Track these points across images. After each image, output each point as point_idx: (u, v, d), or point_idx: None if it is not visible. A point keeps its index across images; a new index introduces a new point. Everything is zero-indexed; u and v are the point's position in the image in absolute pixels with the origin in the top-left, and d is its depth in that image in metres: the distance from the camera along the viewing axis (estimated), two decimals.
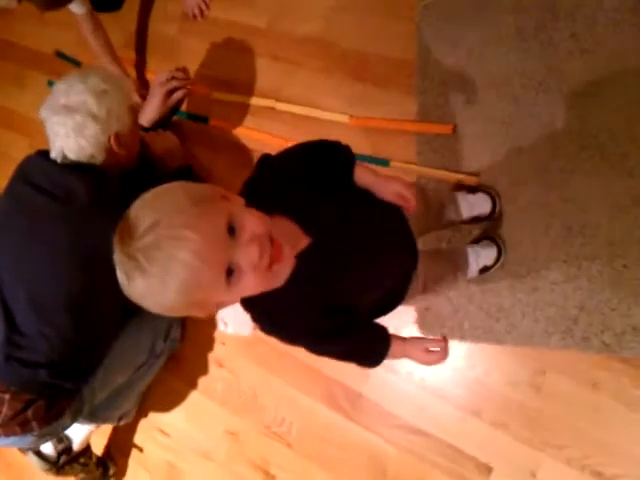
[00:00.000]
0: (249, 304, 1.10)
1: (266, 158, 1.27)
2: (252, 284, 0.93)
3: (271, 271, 0.95)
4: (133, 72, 2.89)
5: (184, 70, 2.55)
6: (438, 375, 2.07)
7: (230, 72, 2.68)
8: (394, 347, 1.34)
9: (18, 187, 1.88)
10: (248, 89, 2.61)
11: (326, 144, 1.34)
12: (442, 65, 2.16)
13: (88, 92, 1.78)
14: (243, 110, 2.60)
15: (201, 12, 2.78)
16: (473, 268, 1.92)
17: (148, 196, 0.91)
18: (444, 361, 1.36)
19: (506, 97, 2.03)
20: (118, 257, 0.88)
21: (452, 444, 2.03)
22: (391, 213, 1.36)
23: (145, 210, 0.88)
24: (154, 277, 0.84)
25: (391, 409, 2.15)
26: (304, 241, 1.10)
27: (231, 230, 0.89)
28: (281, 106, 2.48)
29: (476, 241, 2.01)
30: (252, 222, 0.92)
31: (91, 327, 1.93)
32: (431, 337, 1.41)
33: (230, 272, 0.88)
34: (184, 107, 2.74)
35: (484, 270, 1.95)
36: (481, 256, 1.92)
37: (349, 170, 1.32)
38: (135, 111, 2.00)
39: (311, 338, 1.19)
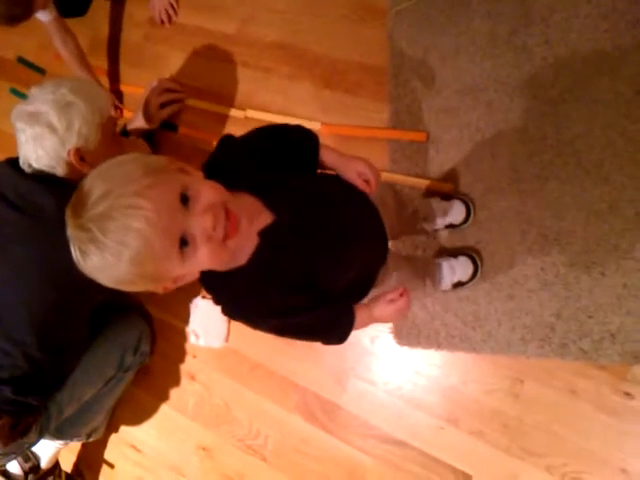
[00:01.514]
0: (211, 284, 1.08)
1: (228, 137, 1.24)
2: (206, 257, 0.91)
3: (226, 245, 0.93)
4: (104, 80, 2.83)
5: (176, 81, 2.54)
6: (414, 384, 2.05)
7: (199, 79, 2.64)
8: (359, 315, 1.31)
9: None
10: (218, 96, 2.57)
11: (290, 126, 1.32)
12: (415, 72, 2.15)
13: (51, 103, 1.73)
14: (213, 118, 2.56)
15: (169, 18, 2.73)
16: (447, 282, 1.92)
17: (100, 168, 0.90)
18: (409, 307, 1.31)
19: (480, 103, 2.03)
20: (71, 231, 0.87)
21: (430, 453, 2.01)
22: (362, 200, 1.35)
23: (97, 181, 0.86)
24: (108, 248, 0.82)
25: (368, 419, 2.12)
26: (266, 218, 1.08)
27: (185, 200, 0.88)
28: (252, 114, 2.45)
29: (453, 254, 1.99)
30: (207, 191, 0.92)
31: (57, 344, 1.90)
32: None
33: (184, 243, 0.88)
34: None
35: (458, 285, 1.94)
36: (456, 272, 1.91)
37: (314, 150, 1.30)
38: (110, 126, 1.92)
39: (275, 318, 1.15)
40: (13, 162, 1.82)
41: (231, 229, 0.93)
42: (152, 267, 0.87)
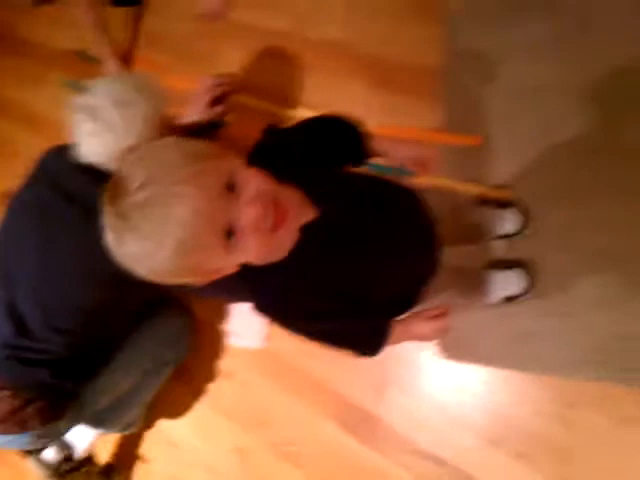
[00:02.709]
0: (246, 276, 1.00)
1: (273, 128, 1.19)
2: (253, 248, 0.86)
3: (274, 235, 0.88)
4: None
5: (231, 77, 2.47)
6: (458, 400, 1.96)
7: (251, 76, 2.62)
8: (395, 329, 1.26)
9: (38, 182, 1.84)
10: (269, 93, 2.53)
11: (334, 116, 1.29)
12: (471, 71, 2.06)
13: (112, 99, 1.69)
14: (263, 115, 2.51)
15: (222, 13, 2.70)
16: (498, 295, 1.85)
17: (139, 153, 0.85)
18: (449, 326, 1.27)
19: (540, 106, 1.93)
20: (108, 219, 0.82)
21: (471, 474, 1.91)
22: (417, 205, 1.31)
23: (137, 167, 0.82)
24: (148, 237, 0.79)
25: (407, 433, 2.04)
26: (309, 213, 1.02)
27: (231, 188, 0.83)
28: (302, 112, 2.39)
29: (506, 265, 1.89)
30: (255, 180, 0.87)
31: (99, 335, 1.92)
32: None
33: (230, 233, 0.83)
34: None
35: (510, 299, 1.86)
36: (508, 286, 1.84)
37: (359, 138, 1.27)
38: (166, 125, 1.88)
39: (304, 320, 1.11)
40: (69, 151, 1.79)
41: (280, 219, 0.88)
42: (194, 258, 0.82)
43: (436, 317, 1.26)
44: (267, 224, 0.85)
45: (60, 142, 1.85)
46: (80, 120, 1.70)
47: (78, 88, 2.20)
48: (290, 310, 1.08)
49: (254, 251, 0.87)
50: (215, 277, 0.91)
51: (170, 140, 0.87)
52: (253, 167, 0.90)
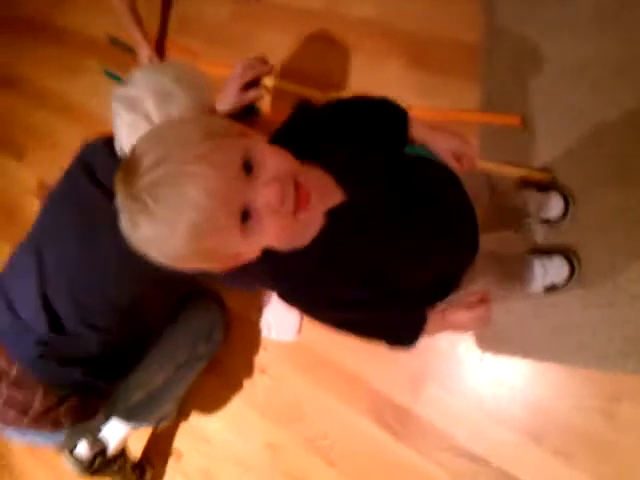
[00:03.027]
0: (268, 262, 0.95)
1: (305, 105, 1.14)
2: (271, 232, 0.81)
3: (295, 219, 0.83)
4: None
5: (263, 59, 2.41)
6: (496, 395, 1.88)
7: (285, 58, 2.58)
8: (431, 319, 1.20)
9: (78, 175, 1.82)
10: (304, 76, 2.49)
11: (376, 98, 1.22)
12: (511, 48, 1.99)
13: (152, 91, 1.65)
14: (295, 99, 2.44)
15: None
16: (538, 284, 1.76)
17: (154, 130, 0.83)
18: (490, 315, 1.19)
19: (584, 83, 1.84)
20: (121, 201, 0.79)
21: (510, 472, 1.83)
22: (455, 188, 1.26)
23: (150, 145, 0.78)
24: (161, 219, 0.75)
25: (444, 430, 1.97)
26: (337, 197, 0.97)
27: (248, 168, 0.78)
28: (335, 95, 2.32)
29: (547, 252, 1.81)
30: (274, 159, 0.82)
31: (135, 333, 1.92)
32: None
33: (246, 216, 0.78)
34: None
35: (551, 289, 1.77)
36: (549, 273, 1.75)
37: (402, 126, 1.20)
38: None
39: (332, 309, 1.06)
40: (110, 144, 1.78)
41: (302, 201, 0.82)
42: (210, 242, 0.77)
43: (476, 305, 1.19)
44: (287, 207, 0.80)
45: (99, 133, 1.83)
46: (119, 111, 1.67)
47: (117, 78, 2.17)
48: (314, 298, 1.03)
49: (273, 235, 0.83)
50: (235, 263, 0.87)
51: (189, 117, 0.83)
52: (274, 145, 0.85)
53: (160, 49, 2.94)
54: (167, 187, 0.73)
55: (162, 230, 0.75)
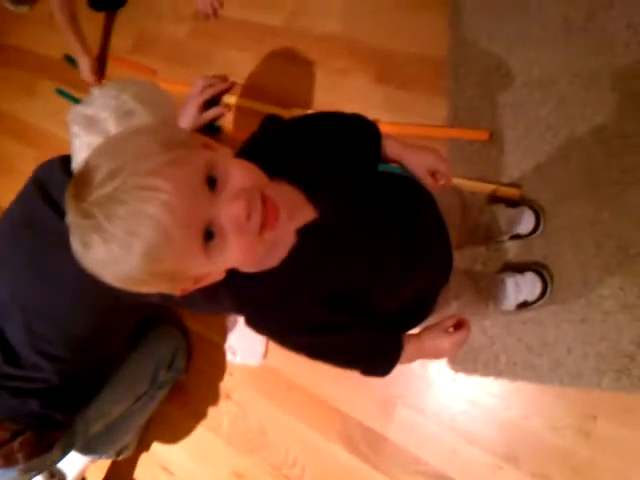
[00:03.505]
0: (234, 284, 0.90)
1: (272, 118, 1.09)
2: (237, 252, 0.76)
3: (262, 238, 0.78)
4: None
5: (223, 77, 2.41)
6: (470, 416, 1.85)
7: (245, 75, 2.56)
8: (408, 346, 1.13)
9: (31, 196, 1.74)
10: (264, 93, 2.47)
11: (347, 114, 1.18)
12: (477, 63, 2.00)
13: (112, 109, 1.60)
14: (258, 117, 2.40)
15: (214, 11, 2.70)
16: (511, 302, 1.74)
17: (109, 141, 0.77)
18: (468, 336, 1.14)
19: (551, 98, 1.86)
20: (71, 218, 0.72)
21: None
22: (428, 205, 1.23)
23: (104, 157, 0.72)
24: (116, 238, 0.68)
25: (416, 453, 1.92)
26: (308, 215, 0.92)
27: (212, 182, 0.73)
28: (297, 112, 2.32)
29: (519, 269, 1.79)
30: (239, 172, 0.77)
31: (90, 361, 1.83)
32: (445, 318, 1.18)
33: (210, 235, 0.73)
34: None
35: (523, 305, 1.75)
36: (522, 290, 1.73)
37: (375, 143, 1.16)
38: None
39: (305, 335, 0.99)
40: (66, 162, 1.71)
41: (269, 218, 0.78)
42: (170, 263, 0.71)
43: (455, 329, 1.14)
44: (254, 223, 0.75)
45: (55, 155, 1.76)
46: (78, 132, 1.61)
47: (71, 97, 2.10)
48: (284, 323, 0.97)
49: (239, 255, 0.77)
50: (197, 286, 0.81)
51: (147, 127, 0.77)
52: (240, 159, 0.81)
53: (102, 61, 2.96)
54: (122, 203, 0.67)
55: (116, 250, 0.69)
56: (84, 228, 0.69)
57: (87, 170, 0.70)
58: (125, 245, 0.67)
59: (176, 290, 0.79)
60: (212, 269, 0.79)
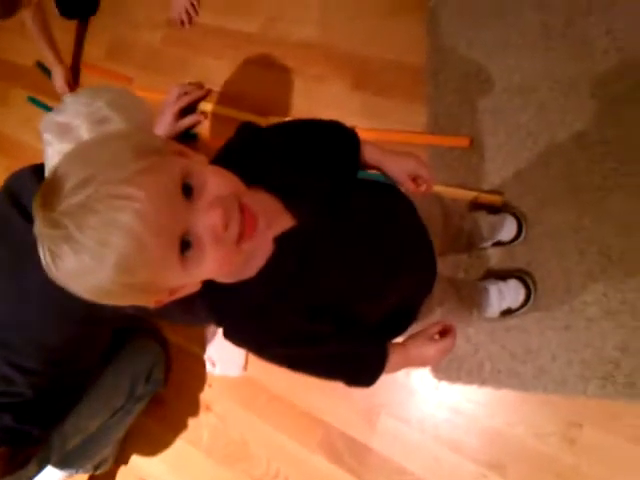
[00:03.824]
0: (211, 295, 0.87)
1: (248, 126, 1.05)
2: (213, 261, 0.73)
3: (240, 248, 0.75)
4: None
5: (199, 84, 2.38)
6: (454, 424, 1.84)
7: (220, 83, 2.53)
8: (393, 355, 1.10)
9: (3, 206, 1.68)
10: (240, 101, 2.45)
11: (325, 121, 1.15)
12: (456, 70, 1.99)
13: (85, 116, 1.56)
14: (235, 125, 2.39)
15: (189, 18, 2.67)
16: (494, 309, 1.73)
17: (80, 148, 0.73)
18: (454, 343, 1.11)
19: (531, 104, 1.86)
20: (39, 228, 0.68)
21: None
22: (409, 212, 1.21)
23: (74, 164, 0.68)
24: (87, 249, 0.65)
25: (400, 462, 1.91)
26: (285, 223, 0.90)
27: (187, 190, 0.71)
28: (274, 120, 2.25)
29: (502, 276, 1.78)
30: (216, 180, 0.75)
31: (64, 374, 1.78)
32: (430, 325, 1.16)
33: (186, 245, 0.70)
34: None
35: (507, 312, 1.74)
36: (506, 298, 1.72)
37: (354, 150, 1.13)
38: None
39: (284, 347, 0.97)
40: (39, 171, 1.67)
41: (247, 227, 0.75)
42: (143, 274, 0.68)
43: (440, 335, 1.12)
44: (232, 232, 0.73)
45: (27, 164, 1.71)
46: (51, 140, 1.57)
47: (44, 106, 2.05)
48: (262, 335, 0.95)
49: (216, 266, 0.75)
50: (173, 297, 0.79)
51: (120, 133, 0.74)
52: (216, 166, 0.78)
53: (75, 70, 2.94)
54: (94, 212, 0.64)
55: (87, 261, 0.65)
56: (53, 239, 0.66)
57: (56, 178, 0.67)
58: (97, 256, 0.65)
59: (150, 302, 0.76)
60: (188, 280, 0.76)
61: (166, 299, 0.78)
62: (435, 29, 2.03)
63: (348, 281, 0.98)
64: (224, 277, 0.83)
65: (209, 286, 0.82)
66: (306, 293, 0.93)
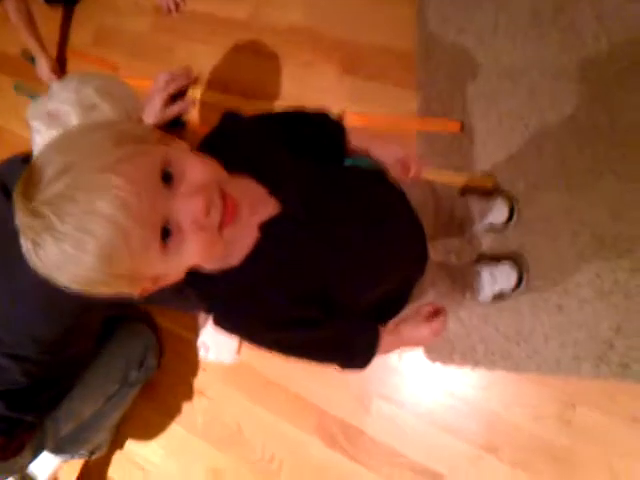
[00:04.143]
0: (196, 283, 0.88)
1: (232, 114, 1.04)
2: (196, 250, 0.74)
3: (221, 235, 0.76)
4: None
5: (186, 70, 2.35)
6: (448, 407, 1.84)
7: (210, 70, 2.51)
8: (385, 337, 1.12)
9: None
10: (230, 87, 2.44)
11: (310, 111, 1.18)
12: (447, 54, 1.99)
13: (74, 103, 1.54)
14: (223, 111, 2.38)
15: (176, 5, 2.66)
16: (487, 292, 1.74)
17: (60, 137, 0.73)
18: (446, 323, 1.14)
19: (522, 88, 1.86)
20: (20, 218, 0.69)
21: None
22: (399, 198, 1.21)
23: (55, 153, 0.69)
24: (68, 238, 0.65)
25: (394, 446, 1.91)
26: (271, 209, 0.90)
27: (168, 178, 0.71)
28: (265, 106, 2.29)
29: (494, 259, 1.79)
30: (196, 167, 0.75)
31: (60, 361, 1.77)
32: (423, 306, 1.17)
33: (167, 232, 0.71)
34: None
35: (500, 296, 1.75)
36: (498, 281, 1.73)
37: (339, 139, 1.15)
38: None
39: (274, 331, 0.97)
40: (29, 160, 1.62)
41: (228, 215, 0.76)
42: (126, 263, 0.69)
43: (431, 317, 1.13)
44: (213, 219, 0.74)
45: (13, 153, 1.68)
46: (39, 128, 1.55)
47: (32, 92, 2.02)
48: (252, 321, 0.94)
49: (198, 253, 0.75)
50: (155, 287, 0.78)
51: (100, 122, 0.74)
52: (197, 153, 0.78)
53: (61, 59, 2.92)
54: (74, 201, 0.64)
55: (69, 251, 0.66)
56: (34, 228, 0.66)
57: (36, 167, 0.68)
58: (78, 245, 0.65)
59: (135, 290, 0.76)
60: (171, 267, 0.76)
61: (151, 288, 0.78)
62: (425, 14, 2.02)
63: (335, 266, 0.98)
64: (209, 264, 0.83)
65: (196, 274, 0.82)
66: (292, 278, 0.93)
